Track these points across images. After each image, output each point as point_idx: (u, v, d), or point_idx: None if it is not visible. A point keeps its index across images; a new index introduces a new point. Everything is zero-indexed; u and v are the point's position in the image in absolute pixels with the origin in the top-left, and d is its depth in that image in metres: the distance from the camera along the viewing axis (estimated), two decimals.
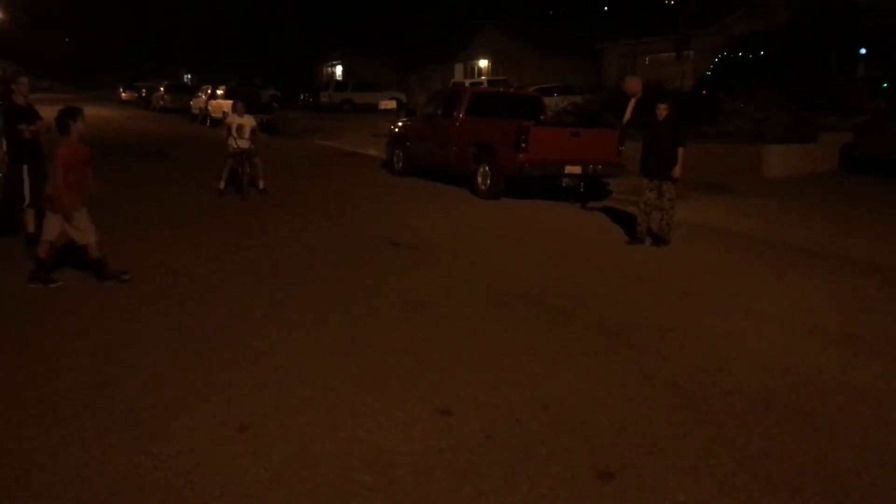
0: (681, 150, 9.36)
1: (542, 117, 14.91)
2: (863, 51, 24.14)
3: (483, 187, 13.34)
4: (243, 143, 12.58)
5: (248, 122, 12.73)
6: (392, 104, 36.03)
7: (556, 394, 4.88)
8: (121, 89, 55.30)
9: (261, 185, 12.78)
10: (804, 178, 15.51)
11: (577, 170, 12.83)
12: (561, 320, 6.46)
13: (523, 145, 12.44)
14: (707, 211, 12.36)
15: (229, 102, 17.21)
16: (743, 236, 10.52)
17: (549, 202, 12.91)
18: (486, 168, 13.30)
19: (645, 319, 6.54)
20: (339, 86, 43.44)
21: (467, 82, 35.63)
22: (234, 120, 12.72)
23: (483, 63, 44.71)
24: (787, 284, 7.97)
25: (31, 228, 8.10)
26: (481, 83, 34.56)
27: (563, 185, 13.13)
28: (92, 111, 37.74)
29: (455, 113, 14.32)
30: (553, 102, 22.65)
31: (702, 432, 4.38)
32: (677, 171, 9.37)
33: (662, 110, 9.48)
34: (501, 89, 24.93)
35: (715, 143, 16.87)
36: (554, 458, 4.01)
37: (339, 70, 55.42)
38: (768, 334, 6.28)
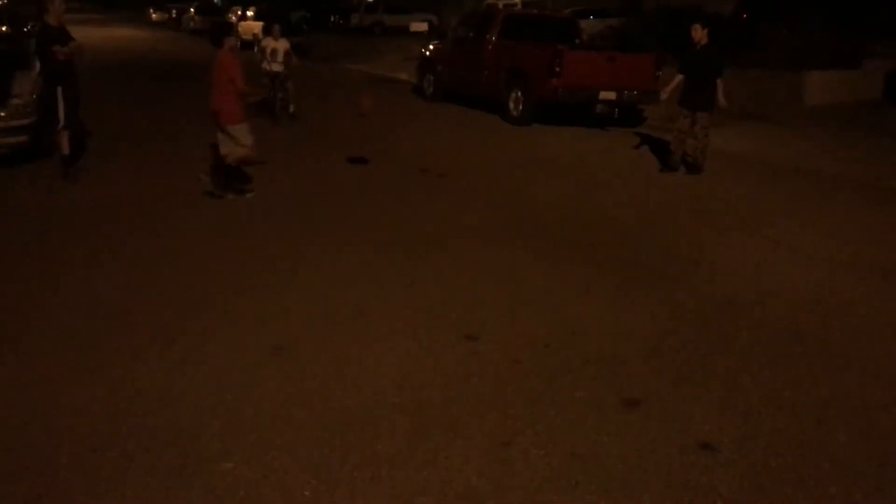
0: (719, 82, 9.11)
1: (577, 41, 14.57)
2: None
3: (515, 113, 13.16)
4: (277, 67, 12.48)
5: (283, 45, 12.57)
6: (424, 26, 35.35)
7: (583, 322, 4.91)
8: (151, 10, 54.81)
9: (291, 108, 12.73)
10: (846, 107, 15.06)
11: (611, 95, 12.58)
12: (591, 250, 6.45)
13: (557, 70, 12.20)
14: (743, 140, 12.12)
15: (259, 24, 17.01)
16: (779, 167, 10.33)
17: (582, 129, 12.72)
18: (519, 93, 13.09)
19: (676, 251, 6.51)
20: (370, 7, 42.58)
21: (501, 4, 34.79)
22: (269, 43, 12.58)
23: None
24: (822, 216, 7.85)
25: (65, 150, 8.18)
26: (515, 5, 33.70)
27: (597, 111, 12.89)
28: (122, 32, 37.55)
29: (487, 36, 14.04)
30: (589, 25, 22.08)
31: (729, 364, 4.40)
32: (722, 101, 9.14)
33: (698, 32, 9.17)
34: (536, 11, 24.32)
35: (754, 69, 16.41)
36: (580, 385, 4.06)
37: None
38: (801, 267, 6.22)
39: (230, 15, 33.78)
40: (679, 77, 9.53)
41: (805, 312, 5.22)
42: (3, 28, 12.73)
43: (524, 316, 4.97)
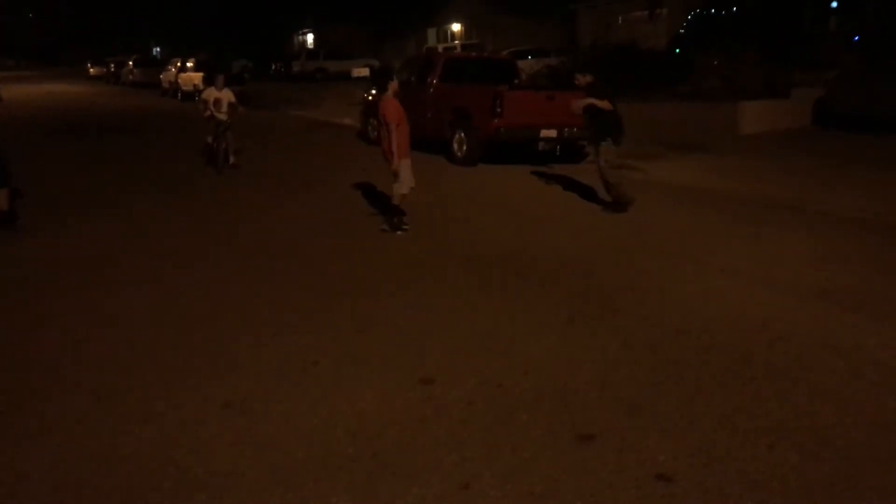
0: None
1: (516, 81, 14.83)
2: (834, 4, 24.15)
3: (459, 154, 13.29)
4: (221, 117, 12.44)
5: (227, 95, 12.57)
6: (365, 72, 35.68)
7: (536, 359, 4.92)
8: (89, 64, 54.28)
9: (231, 159, 12.63)
10: (778, 135, 15.58)
11: (552, 133, 12.81)
12: (540, 286, 6.49)
13: (498, 110, 12.39)
14: (683, 171, 12.41)
15: (199, 75, 16.99)
16: (719, 195, 10.58)
17: (526, 167, 12.89)
18: (462, 134, 13.24)
19: (623, 282, 6.59)
20: (311, 54, 42.95)
21: (441, 47, 35.37)
22: (212, 94, 12.56)
23: (456, 27, 44.33)
24: (763, 242, 8.04)
25: (4, 206, 8.08)
26: (455, 48, 34.27)
27: (540, 149, 13.10)
28: (59, 87, 37.21)
29: (429, 79, 14.21)
30: (528, 65, 22.54)
31: (681, 392, 4.44)
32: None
33: (579, 79, 9.42)
34: (475, 54, 24.74)
35: (689, 101, 16.89)
36: (535, 422, 4.05)
37: (310, 38, 54.74)
38: (746, 292, 6.34)
39: (170, 67, 33.58)
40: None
41: (752, 337, 5.31)
42: None
43: (478, 356, 4.96)
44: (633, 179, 11.62)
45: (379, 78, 8.19)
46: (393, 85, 8.16)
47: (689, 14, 26.48)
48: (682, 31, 26.00)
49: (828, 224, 8.80)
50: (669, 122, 16.23)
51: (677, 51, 22.89)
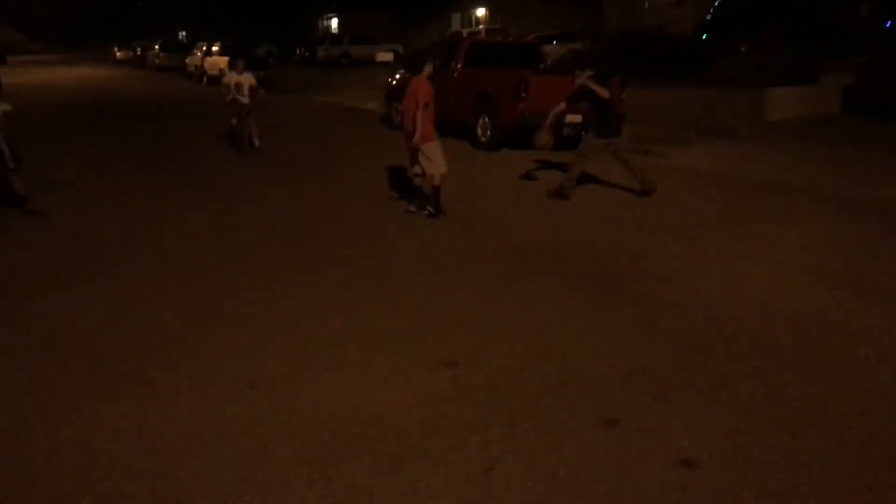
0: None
1: (541, 66, 14.75)
2: None
3: (483, 138, 13.26)
4: (243, 100, 12.57)
5: (247, 79, 12.71)
6: (389, 57, 35.63)
7: (560, 343, 4.92)
8: (115, 48, 54.65)
9: (256, 143, 12.78)
10: (806, 121, 15.37)
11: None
12: (563, 271, 6.49)
13: (523, 95, 12.34)
14: (707, 157, 12.30)
15: (225, 59, 17.12)
16: (745, 181, 10.48)
17: (550, 152, 12.83)
18: (486, 119, 13.21)
19: (648, 268, 6.57)
20: (336, 39, 42.93)
21: (465, 32, 35.21)
22: (233, 78, 12.69)
23: (480, 12, 44.07)
24: (789, 228, 7.97)
25: (21, 191, 8.21)
26: (479, 32, 34.10)
27: (564, 134, 13.02)
28: (86, 71, 37.54)
29: (453, 64, 14.17)
30: (553, 50, 22.40)
31: (705, 378, 4.43)
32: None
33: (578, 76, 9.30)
34: (499, 38, 24.61)
35: (715, 87, 16.72)
36: (559, 406, 4.07)
37: (334, 23, 54.70)
38: (771, 279, 6.30)
39: (195, 51, 33.73)
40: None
41: (777, 324, 5.28)
42: None
43: (501, 339, 4.98)
44: (657, 165, 11.56)
45: (413, 61, 8.26)
46: (428, 68, 8.30)
47: (716, 0, 26.16)
48: (708, 16, 25.68)
49: (855, 211, 8.69)
50: (695, 107, 16.08)
51: (704, 36, 22.63)
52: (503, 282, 6.19)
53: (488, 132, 13.16)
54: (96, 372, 4.47)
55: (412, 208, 8.36)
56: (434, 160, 8.16)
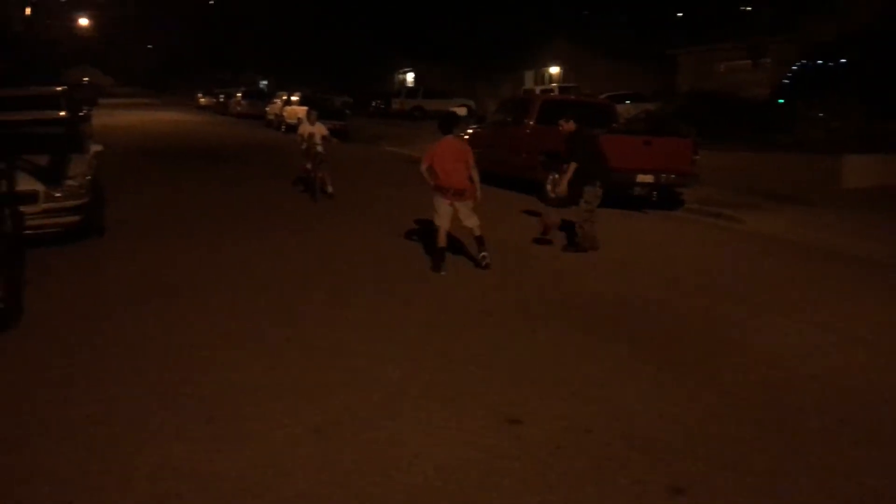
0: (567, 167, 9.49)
1: (613, 125, 14.79)
2: None
3: (552, 195, 13.27)
4: (316, 149, 13.03)
5: (319, 129, 13.26)
6: (462, 111, 36.05)
7: (625, 405, 4.85)
8: (199, 94, 56.82)
9: (329, 189, 13.15)
10: (885, 191, 14.95)
11: (648, 178, 12.70)
12: (631, 332, 6.41)
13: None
14: (781, 222, 12.06)
15: (303, 109, 17.72)
16: (819, 249, 10.24)
17: (620, 211, 12.79)
18: (556, 176, 13.23)
19: (717, 333, 6.45)
20: (410, 92, 43.85)
21: (538, 89, 35.56)
22: (307, 128, 13.29)
23: (554, 70, 44.52)
24: (863, 299, 7.74)
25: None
26: (552, 90, 34.40)
27: (635, 194, 12.99)
28: (172, 115, 39.00)
29: (526, 120, 14.32)
30: (625, 110, 22.44)
31: (774, 449, 4.30)
32: (561, 187, 9.55)
33: (562, 125, 9.68)
34: (572, 97, 24.79)
35: (790, 152, 16.47)
36: (624, 471, 3.99)
37: (410, 77, 55.89)
38: (842, 350, 6.11)
39: (275, 100, 34.84)
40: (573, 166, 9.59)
41: (849, 398, 5.10)
42: (62, 112, 13.33)
43: (566, 398, 4.93)
44: (729, 228, 11.40)
45: (445, 122, 8.65)
46: (458, 129, 8.67)
47: (795, 64, 25.91)
48: (785, 80, 25.45)
49: None
50: (769, 172, 15.85)
51: (780, 101, 22.40)
52: (567, 339, 6.14)
53: (557, 188, 13.17)
54: (165, 410, 4.58)
55: (484, 260, 8.33)
56: (470, 214, 8.30)
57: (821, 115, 18.26)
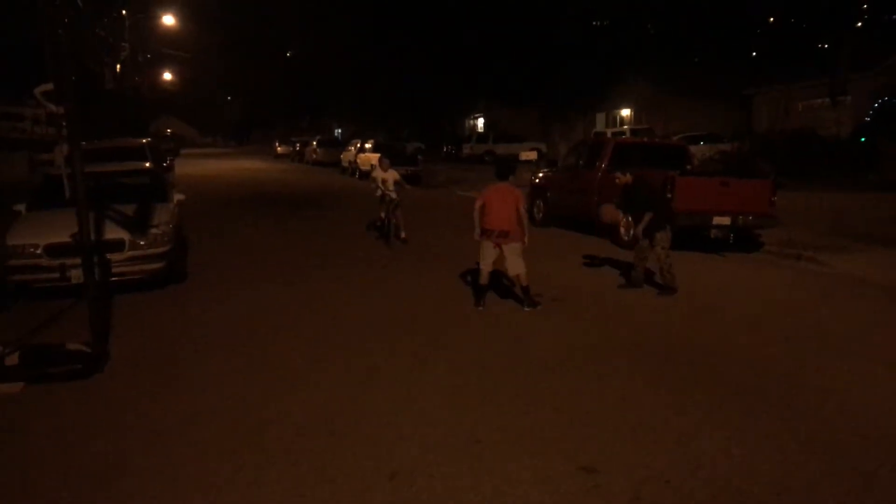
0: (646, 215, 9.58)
1: (688, 167, 14.61)
2: None
3: (626, 238, 13.14)
4: (390, 195, 13.25)
5: (392, 175, 13.48)
6: (533, 155, 36.20)
7: (707, 455, 4.71)
8: (276, 143, 58.60)
9: (402, 234, 13.33)
10: None
11: (726, 221, 12.44)
12: (712, 378, 6.24)
13: (669, 195, 12.21)
14: (869, 265, 11.61)
15: (376, 155, 18.09)
16: None
17: (697, 253, 12.55)
18: (630, 219, 13.10)
19: (802, 379, 6.22)
20: (481, 137, 44.30)
21: (609, 132, 35.43)
22: (380, 174, 13.52)
23: (625, 112, 44.33)
24: None
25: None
26: (623, 132, 34.23)
27: (712, 236, 12.74)
28: (250, 164, 40.33)
29: (598, 164, 14.27)
30: (699, 151, 22.15)
31: (869, 502, 4.10)
32: (638, 230, 9.77)
33: (619, 178, 9.92)
34: (645, 139, 24.63)
35: (876, 192, 15.93)
36: None
37: (480, 122, 56.45)
38: None
39: (350, 147, 35.61)
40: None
41: None
42: (147, 164, 13.92)
43: (643, 446, 4.83)
44: (811, 271, 11.05)
45: (502, 169, 8.79)
46: (512, 176, 8.71)
47: (876, 102, 25.18)
48: (868, 118, 24.73)
49: None
50: (854, 212, 15.35)
51: (863, 139, 21.75)
52: (646, 386, 6.02)
53: (631, 231, 13.03)
54: (245, 450, 4.67)
55: (528, 307, 8.47)
56: (521, 259, 8.39)
57: None
